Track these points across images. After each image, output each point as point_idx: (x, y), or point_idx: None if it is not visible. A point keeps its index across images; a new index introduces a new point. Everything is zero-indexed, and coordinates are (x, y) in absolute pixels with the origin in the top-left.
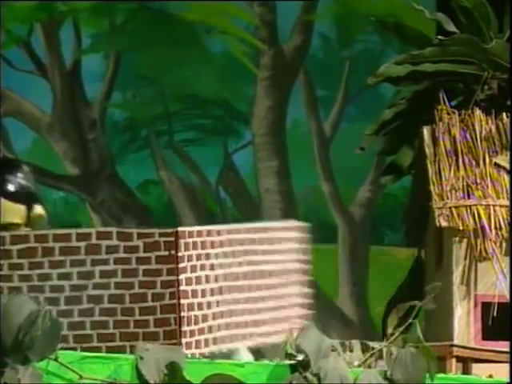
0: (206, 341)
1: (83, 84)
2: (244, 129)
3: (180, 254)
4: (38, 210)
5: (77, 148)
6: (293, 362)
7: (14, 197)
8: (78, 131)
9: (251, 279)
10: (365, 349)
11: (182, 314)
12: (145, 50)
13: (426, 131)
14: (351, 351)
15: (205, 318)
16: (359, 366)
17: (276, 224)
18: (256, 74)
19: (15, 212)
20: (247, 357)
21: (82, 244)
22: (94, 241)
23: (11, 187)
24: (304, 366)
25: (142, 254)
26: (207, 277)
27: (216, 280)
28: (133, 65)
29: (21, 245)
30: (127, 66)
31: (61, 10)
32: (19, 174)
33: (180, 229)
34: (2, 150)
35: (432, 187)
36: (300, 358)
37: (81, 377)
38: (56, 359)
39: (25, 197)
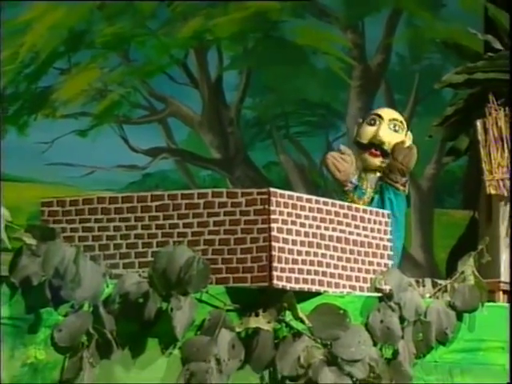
0: (297, 279)
1: (224, 92)
2: (341, 124)
3: (272, 208)
4: None
5: (219, 139)
6: (380, 294)
7: None
8: (220, 127)
9: (334, 241)
10: (434, 285)
11: (273, 253)
12: (268, 67)
13: (478, 123)
14: (424, 286)
15: (295, 261)
16: (430, 297)
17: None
18: (349, 83)
19: None
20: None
21: (201, 201)
22: (209, 198)
23: None
24: (388, 297)
25: (244, 208)
26: (297, 231)
27: (306, 235)
28: (260, 78)
29: (157, 202)
30: (256, 79)
31: (208, 39)
32: None
33: (272, 189)
34: (167, 141)
35: (483, 165)
36: (386, 291)
37: (225, 304)
38: (207, 292)
39: None
